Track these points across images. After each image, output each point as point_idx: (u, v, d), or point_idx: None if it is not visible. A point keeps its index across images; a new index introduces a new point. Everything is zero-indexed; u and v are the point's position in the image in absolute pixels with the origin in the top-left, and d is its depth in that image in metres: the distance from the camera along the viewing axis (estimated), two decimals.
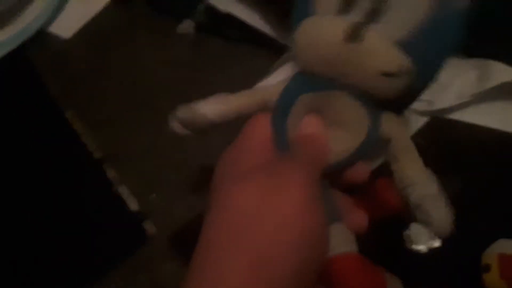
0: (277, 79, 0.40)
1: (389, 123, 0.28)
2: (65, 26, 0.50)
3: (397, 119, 0.28)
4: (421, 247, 0.33)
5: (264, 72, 0.43)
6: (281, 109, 0.28)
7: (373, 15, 0.25)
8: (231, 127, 0.29)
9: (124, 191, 0.39)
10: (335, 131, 0.28)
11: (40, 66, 0.48)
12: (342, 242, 0.27)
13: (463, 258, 0.33)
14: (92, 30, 0.50)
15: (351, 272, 0.26)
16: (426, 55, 0.25)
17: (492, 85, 0.36)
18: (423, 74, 0.26)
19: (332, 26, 0.26)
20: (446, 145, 0.38)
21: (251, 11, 0.44)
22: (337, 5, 0.26)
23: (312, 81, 0.28)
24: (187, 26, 0.46)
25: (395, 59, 0.25)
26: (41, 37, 0.50)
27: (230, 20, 0.45)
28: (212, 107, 0.30)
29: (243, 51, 0.46)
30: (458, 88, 0.37)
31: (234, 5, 0.45)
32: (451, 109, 0.38)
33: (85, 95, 0.46)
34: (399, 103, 0.28)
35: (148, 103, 0.44)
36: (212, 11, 0.46)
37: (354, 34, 0.25)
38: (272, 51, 0.44)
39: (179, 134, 0.30)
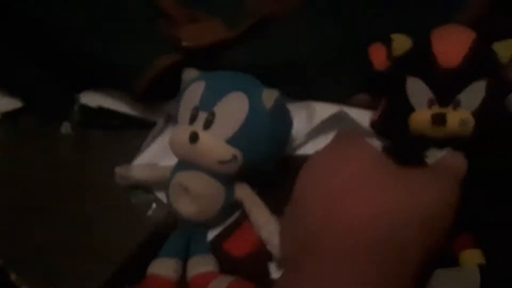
0: (150, 155, 0.47)
1: (241, 189, 0.41)
2: None
3: (246, 186, 0.41)
4: None
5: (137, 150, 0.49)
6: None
7: (207, 124, 0.38)
8: None
9: None
10: (199, 201, 0.39)
11: None
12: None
13: None
14: None
15: None
16: (248, 144, 0.38)
17: (316, 123, 0.43)
18: (250, 157, 0.39)
19: (181, 133, 0.39)
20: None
21: (118, 100, 0.50)
22: (188, 118, 0.39)
23: (181, 165, 0.41)
24: (66, 127, 0.52)
25: (226, 152, 0.38)
26: None
27: (102, 113, 0.51)
28: (139, 171, 0.44)
29: (120, 136, 0.51)
30: (295, 129, 0.44)
31: (102, 99, 0.51)
32: (295, 147, 0.45)
33: None
34: (243, 176, 0.41)
35: (36, 203, 0.47)
36: (86, 108, 0.52)
37: (193, 138, 0.38)
38: (144, 129, 0.50)
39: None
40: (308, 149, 0.44)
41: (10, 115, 0.56)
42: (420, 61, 0.39)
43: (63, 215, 0.46)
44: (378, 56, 0.42)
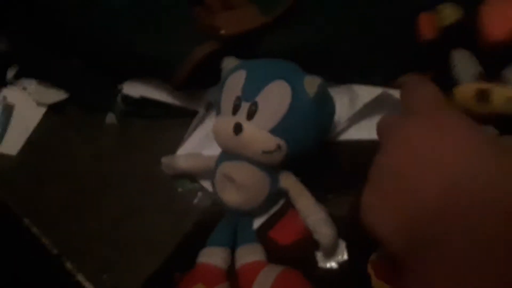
0: (193, 144, 0.47)
1: (286, 178, 0.41)
2: (11, 145, 0.57)
3: (291, 175, 0.41)
4: (332, 264, 0.38)
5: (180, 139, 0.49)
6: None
7: (250, 114, 0.38)
8: None
9: (82, 279, 0.44)
10: (245, 191, 0.39)
11: None
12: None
13: None
14: (33, 141, 0.56)
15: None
16: (292, 134, 0.38)
17: (359, 107, 0.42)
18: (294, 146, 0.38)
19: (225, 125, 0.39)
20: (339, 164, 0.43)
21: (160, 90, 0.51)
22: (231, 109, 0.39)
23: (226, 155, 0.41)
24: (111, 118, 0.53)
25: (270, 142, 0.37)
26: None
27: (145, 102, 0.52)
28: (184, 161, 0.45)
29: (163, 125, 0.52)
30: (337, 114, 0.43)
31: (144, 89, 0.51)
32: (338, 133, 0.44)
33: (35, 202, 0.51)
34: (287, 164, 0.40)
35: (85, 194, 0.49)
36: (129, 99, 0.53)
37: (237, 130, 0.38)
38: (186, 118, 0.51)
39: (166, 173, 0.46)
40: (351, 134, 0.44)
41: (56, 107, 0.59)
42: (469, 32, 0.37)
43: (111, 205, 0.48)
44: (425, 25, 0.40)
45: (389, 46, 0.43)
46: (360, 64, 0.45)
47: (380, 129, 0.32)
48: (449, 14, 0.38)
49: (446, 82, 0.37)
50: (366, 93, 0.42)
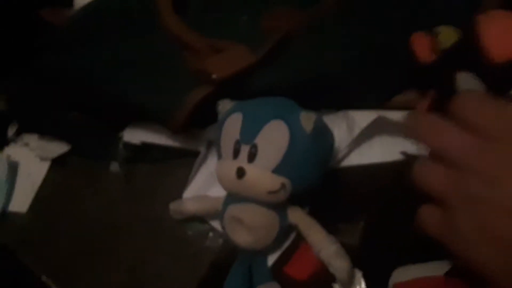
0: (198, 185, 0.48)
1: (294, 213, 0.41)
2: (20, 202, 0.57)
3: (298, 209, 0.42)
4: None
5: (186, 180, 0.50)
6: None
7: (251, 157, 0.38)
8: None
9: None
10: (255, 231, 0.40)
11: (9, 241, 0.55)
12: None
13: None
14: (41, 196, 0.57)
15: None
16: (295, 171, 0.38)
17: (357, 133, 0.42)
18: (298, 182, 0.39)
19: (227, 170, 0.39)
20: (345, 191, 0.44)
21: (159, 133, 0.51)
22: (231, 153, 0.39)
23: (232, 197, 0.42)
24: (115, 167, 0.53)
25: (274, 182, 0.38)
26: (4, 217, 0.57)
27: (147, 147, 0.53)
28: (192, 204, 0.46)
29: (166, 168, 0.52)
30: (336, 141, 0.43)
31: (144, 135, 0.52)
32: (339, 160, 0.44)
33: (51, 257, 0.51)
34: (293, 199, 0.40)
35: (96, 245, 0.50)
36: (130, 146, 0.53)
37: (240, 174, 0.38)
38: (189, 158, 0.51)
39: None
40: (352, 159, 0.44)
41: (60, 159, 0.59)
42: (471, 54, 0.36)
43: (124, 254, 0.49)
44: (422, 48, 0.40)
45: (384, 69, 0.43)
46: (355, 88, 0.45)
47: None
48: (448, 36, 0.39)
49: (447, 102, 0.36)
50: (362, 118, 0.42)
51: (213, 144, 0.51)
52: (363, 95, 0.44)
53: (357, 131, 0.42)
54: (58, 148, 0.59)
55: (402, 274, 0.36)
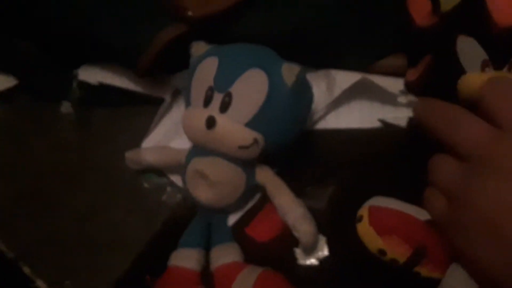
0: (159, 135, 0.44)
1: (262, 173, 0.38)
2: None
3: (268, 169, 0.39)
4: (312, 260, 0.36)
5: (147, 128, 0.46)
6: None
7: (224, 106, 0.35)
8: None
9: (42, 285, 0.41)
10: (219, 188, 0.37)
11: None
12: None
13: None
14: None
15: None
16: (270, 126, 0.35)
17: (337, 94, 0.40)
18: (272, 139, 0.36)
19: (196, 118, 0.35)
20: (318, 155, 0.41)
21: (121, 75, 0.47)
22: (202, 100, 0.35)
23: (197, 150, 0.38)
24: (66, 107, 0.48)
25: (247, 136, 0.35)
26: None
27: (105, 89, 0.48)
28: (151, 154, 0.42)
29: (125, 114, 0.48)
30: (315, 101, 0.40)
31: (102, 75, 0.47)
32: (315, 121, 0.42)
33: None
34: (262, 157, 0.37)
35: (42, 191, 0.45)
36: (86, 86, 0.48)
37: (210, 124, 0.34)
38: (151, 106, 0.47)
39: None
40: (329, 122, 0.42)
41: (6, 95, 0.53)
42: (473, 18, 0.34)
43: (71, 203, 0.44)
44: (419, 10, 0.37)
45: (372, 30, 0.40)
46: (337, 47, 0.42)
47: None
48: None
49: (451, 70, 0.34)
50: (345, 78, 0.40)
51: (180, 92, 0.47)
52: (347, 56, 0.41)
53: (337, 92, 0.40)
54: (4, 82, 0.52)
55: (381, 201, 0.34)
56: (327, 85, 0.41)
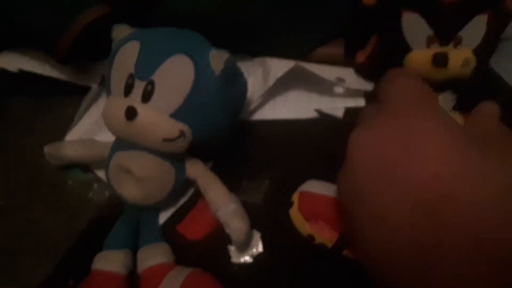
0: (85, 127, 0.41)
1: (193, 167, 0.36)
2: None
3: (199, 162, 0.36)
4: (246, 258, 0.35)
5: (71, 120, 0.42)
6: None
7: (146, 96, 0.32)
8: None
9: None
10: (146, 184, 0.34)
11: None
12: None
13: None
14: None
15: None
16: (197, 118, 0.32)
17: (271, 83, 0.38)
18: (200, 131, 0.33)
19: (116, 108, 0.32)
20: (254, 147, 0.39)
21: (42, 62, 0.43)
22: (122, 89, 0.33)
23: (120, 143, 0.35)
24: None
25: (171, 128, 0.32)
26: None
27: (24, 77, 0.44)
28: (73, 148, 0.38)
29: (47, 104, 0.44)
30: (250, 91, 0.38)
31: (23, 61, 0.43)
32: (251, 111, 0.40)
33: None
34: (193, 150, 0.35)
35: None
36: (4, 73, 0.44)
37: (129, 115, 0.31)
38: (76, 95, 0.43)
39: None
40: (265, 113, 0.40)
41: None
42: None
43: None
44: None
45: (308, 17, 0.38)
46: (275, 32, 0.40)
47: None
48: None
49: (398, 48, 0.35)
50: (279, 66, 0.38)
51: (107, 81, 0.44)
52: (283, 42, 0.39)
53: (272, 80, 0.38)
54: None
55: (314, 185, 0.33)
56: (263, 73, 0.39)
